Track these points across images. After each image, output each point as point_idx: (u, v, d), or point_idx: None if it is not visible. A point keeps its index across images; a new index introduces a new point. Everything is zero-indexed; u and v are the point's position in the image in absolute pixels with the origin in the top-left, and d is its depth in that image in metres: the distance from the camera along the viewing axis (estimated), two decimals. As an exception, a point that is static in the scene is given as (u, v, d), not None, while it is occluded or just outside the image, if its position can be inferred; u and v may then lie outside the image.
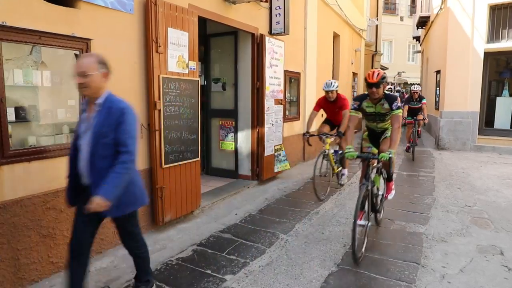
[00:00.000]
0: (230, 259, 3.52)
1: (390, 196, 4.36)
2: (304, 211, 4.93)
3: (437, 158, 8.97)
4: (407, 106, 8.89)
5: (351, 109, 3.94)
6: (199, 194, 4.78)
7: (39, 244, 3.03)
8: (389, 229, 4.29)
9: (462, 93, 9.90)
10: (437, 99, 12.05)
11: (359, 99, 3.91)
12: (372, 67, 18.99)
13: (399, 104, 3.70)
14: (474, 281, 3.10)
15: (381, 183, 4.24)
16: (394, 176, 4.44)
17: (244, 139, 6.41)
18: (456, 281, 3.09)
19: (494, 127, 10.03)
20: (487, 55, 9.72)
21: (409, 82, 29.65)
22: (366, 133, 4.31)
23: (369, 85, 3.60)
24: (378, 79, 3.53)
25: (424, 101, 8.77)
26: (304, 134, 5.63)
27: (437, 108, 11.76)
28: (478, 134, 9.97)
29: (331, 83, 5.54)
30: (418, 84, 15.48)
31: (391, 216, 4.71)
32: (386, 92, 3.79)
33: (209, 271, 3.28)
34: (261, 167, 6.33)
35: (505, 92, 10.15)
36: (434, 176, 6.99)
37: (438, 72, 11.89)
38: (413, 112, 8.91)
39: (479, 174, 7.12)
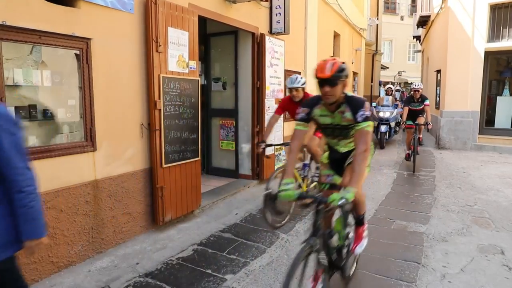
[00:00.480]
0: (230, 259, 3.52)
1: (358, 249, 2.95)
2: (305, 211, 4.92)
3: (438, 157, 8.96)
4: (407, 107, 7.62)
5: (297, 119, 2.65)
6: (199, 194, 4.77)
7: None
8: (389, 229, 4.28)
9: (463, 92, 9.89)
10: (437, 98, 12.04)
11: (309, 104, 2.65)
12: (372, 67, 18.99)
13: (367, 113, 2.45)
14: (474, 280, 3.09)
15: (349, 227, 3.03)
16: (368, 216, 3.46)
17: (245, 139, 6.40)
18: (457, 281, 3.09)
19: (495, 127, 10.01)
20: (488, 54, 9.71)
21: (409, 82, 29.65)
22: (326, 153, 3.02)
23: (319, 82, 2.42)
24: (333, 73, 2.34)
25: (427, 102, 7.48)
26: (258, 143, 4.51)
27: (437, 108, 11.75)
28: (479, 134, 9.96)
29: (296, 78, 4.42)
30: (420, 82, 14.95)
31: (391, 215, 4.70)
32: (349, 94, 2.56)
33: (209, 271, 3.28)
34: (261, 167, 6.32)
35: (506, 91, 10.13)
36: (434, 175, 6.99)
37: (438, 71, 11.88)
38: (414, 115, 7.60)
39: (480, 173, 7.11)
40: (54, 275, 3.16)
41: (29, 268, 2.98)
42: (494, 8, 9.53)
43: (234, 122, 6.46)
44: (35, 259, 3.01)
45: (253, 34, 6.05)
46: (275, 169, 6.60)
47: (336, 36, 11.04)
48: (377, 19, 18.54)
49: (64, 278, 3.13)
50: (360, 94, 15.33)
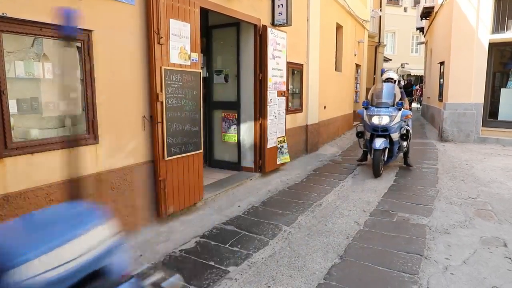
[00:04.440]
0: (233, 251, 3.53)
1: None
2: (307, 203, 4.92)
3: (441, 150, 8.93)
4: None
5: None
6: (202, 186, 4.78)
7: (43, 236, 3.04)
8: (392, 221, 4.28)
9: (466, 84, 9.82)
10: (441, 90, 11.96)
11: None
12: (375, 59, 18.87)
13: None
14: (477, 272, 3.09)
15: None
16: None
17: (247, 131, 6.39)
18: (459, 273, 3.09)
19: (498, 119, 9.95)
20: (492, 46, 9.62)
21: (412, 74, 29.49)
22: None
23: None
24: None
25: None
26: None
27: (440, 100, 11.67)
28: (482, 126, 9.90)
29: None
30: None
31: (394, 208, 4.70)
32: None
33: (212, 263, 3.29)
34: (263, 159, 6.32)
35: (510, 83, 10.05)
36: (437, 168, 6.97)
37: (442, 63, 11.78)
38: None
39: (483, 166, 7.09)
40: (58, 267, 3.18)
41: (33, 260, 2.99)
42: (499, -1, 9.43)
43: (236, 115, 6.45)
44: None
45: (255, 26, 6.00)
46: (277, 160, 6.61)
47: (338, 28, 10.95)
48: (380, 10, 18.36)
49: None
50: (362, 86, 15.24)
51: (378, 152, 5.01)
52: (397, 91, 6.51)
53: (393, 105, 6.20)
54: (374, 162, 6.01)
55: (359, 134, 6.57)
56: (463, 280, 2.98)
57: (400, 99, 6.44)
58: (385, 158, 5.54)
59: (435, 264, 3.23)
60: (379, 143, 5.95)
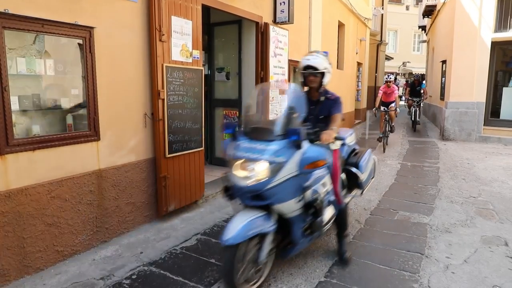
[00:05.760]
0: (234, 249, 3.53)
1: None
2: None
3: (442, 148, 8.92)
4: None
5: None
6: (202, 184, 4.78)
7: (44, 233, 3.05)
8: (393, 219, 4.28)
9: (468, 83, 9.79)
10: (442, 89, 11.94)
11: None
12: (377, 57, 18.85)
13: None
14: (478, 271, 3.09)
15: None
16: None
17: (248, 129, 6.37)
18: (460, 272, 3.09)
19: (500, 118, 9.93)
20: (494, 44, 9.59)
21: (413, 72, 29.44)
22: None
23: None
24: None
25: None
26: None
27: (442, 99, 11.65)
28: (484, 125, 9.89)
29: None
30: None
31: (395, 206, 4.70)
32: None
33: (213, 260, 3.29)
34: (264, 157, 6.30)
35: (512, 82, 10.05)
36: (438, 166, 6.96)
37: (444, 62, 11.76)
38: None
39: (484, 165, 7.08)
40: (59, 263, 3.19)
41: (35, 257, 3.00)
42: (501, -3, 9.39)
43: (237, 112, 6.44)
44: (40, 248, 3.03)
45: (257, 23, 5.98)
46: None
47: (340, 26, 10.93)
48: (382, 8, 18.31)
49: (69, 266, 3.16)
50: (364, 85, 15.22)
51: (232, 250, 2.42)
52: (302, 102, 3.10)
53: (286, 136, 2.64)
54: (223, 271, 2.56)
55: (228, 191, 2.82)
56: (464, 279, 2.98)
57: (315, 120, 3.34)
58: (261, 254, 2.66)
59: (436, 263, 3.23)
60: (234, 229, 2.46)
